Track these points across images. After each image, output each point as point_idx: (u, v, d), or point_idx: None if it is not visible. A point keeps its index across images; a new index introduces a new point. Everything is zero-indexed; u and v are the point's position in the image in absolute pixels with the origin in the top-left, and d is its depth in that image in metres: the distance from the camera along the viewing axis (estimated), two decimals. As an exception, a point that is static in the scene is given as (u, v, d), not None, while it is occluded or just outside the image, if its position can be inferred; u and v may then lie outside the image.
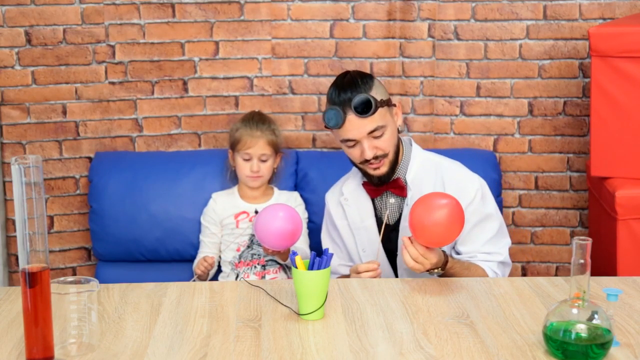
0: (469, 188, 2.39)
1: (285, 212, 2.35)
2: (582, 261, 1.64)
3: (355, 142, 2.35)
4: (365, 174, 2.43)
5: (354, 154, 2.38)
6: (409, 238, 2.15)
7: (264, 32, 3.17)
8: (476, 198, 2.38)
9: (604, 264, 2.73)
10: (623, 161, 2.76)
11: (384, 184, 2.42)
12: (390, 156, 2.38)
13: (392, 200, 2.45)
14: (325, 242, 2.62)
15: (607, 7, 3.09)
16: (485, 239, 2.39)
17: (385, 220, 2.41)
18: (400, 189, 2.42)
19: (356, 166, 2.44)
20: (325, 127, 2.38)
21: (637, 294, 2.03)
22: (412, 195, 2.40)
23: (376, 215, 2.48)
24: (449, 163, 2.48)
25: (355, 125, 2.32)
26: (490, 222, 2.41)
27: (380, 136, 2.34)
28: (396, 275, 2.47)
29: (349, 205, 2.51)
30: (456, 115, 3.19)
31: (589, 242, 1.63)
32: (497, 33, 3.15)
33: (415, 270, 2.15)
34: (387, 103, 2.37)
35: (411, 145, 2.49)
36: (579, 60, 3.14)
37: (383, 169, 2.38)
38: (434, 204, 2.11)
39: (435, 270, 2.21)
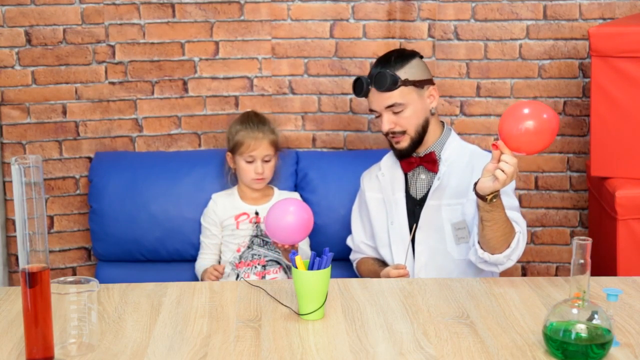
0: None
1: (295, 206, 2.30)
2: (582, 261, 1.64)
3: (379, 114, 2.52)
4: (390, 145, 2.59)
5: (379, 124, 2.56)
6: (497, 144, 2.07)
7: (264, 32, 3.16)
8: None
9: (604, 264, 2.72)
10: (623, 161, 2.76)
11: (405, 157, 2.55)
12: (411, 134, 2.51)
13: (422, 176, 2.56)
14: (355, 221, 2.73)
15: (607, 7, 3.08)
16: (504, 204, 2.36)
17: (413, 228, 2.50)
18: (432, 163, 2.53)
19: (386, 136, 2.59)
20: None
21: (637, 294, 2.03)
22: (444, 171, 2.49)
23: (407, 190, 2.58)
24: (484, 152, 2.56)
25: (374, 98, 2.52)
26: (510, 199, 2.39)
27: (400, 112, 2.49)
28: (413, 252, 2.52)
29: (384, 177, 2.62)
30: (456, 115, 3.19)
31: (589, 242, 1.64)
32: (497, 33, 3.14)
33: (499, 177, 2.05)
34: (415, 84, 2.50)
35: (451, 130, 2.60)
36: (579, 60, 3.13)
37: (403, 144, 2.53)
38: (524, 110, 2.02)
39: (492, 195, 2.12)
